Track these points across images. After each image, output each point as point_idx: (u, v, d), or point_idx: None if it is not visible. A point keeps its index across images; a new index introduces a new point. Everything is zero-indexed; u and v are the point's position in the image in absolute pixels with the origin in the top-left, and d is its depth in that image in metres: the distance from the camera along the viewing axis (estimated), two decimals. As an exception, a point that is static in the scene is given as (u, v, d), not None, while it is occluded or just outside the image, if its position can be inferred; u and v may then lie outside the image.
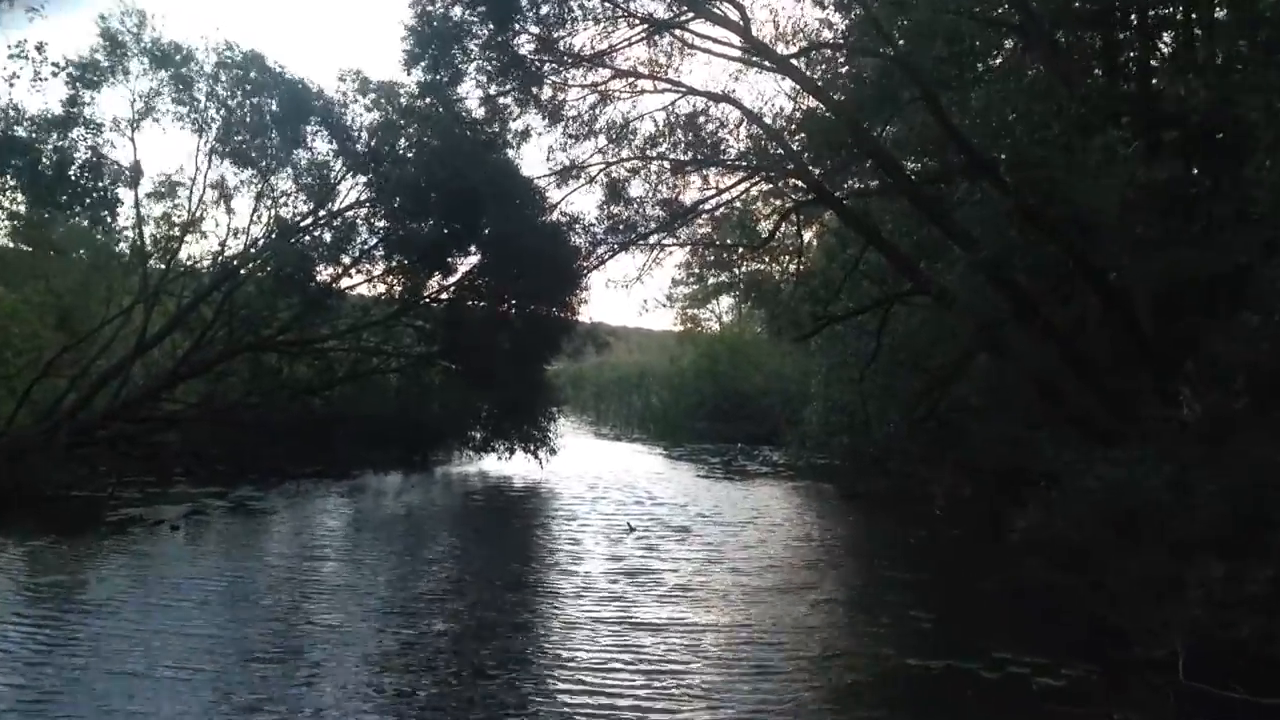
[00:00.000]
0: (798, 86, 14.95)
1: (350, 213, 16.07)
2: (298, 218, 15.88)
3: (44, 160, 13.30)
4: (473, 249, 16.74)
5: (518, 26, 14.72)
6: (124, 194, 14.80)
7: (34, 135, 13.07)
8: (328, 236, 16.03)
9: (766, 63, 14.46)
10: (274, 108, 14.78)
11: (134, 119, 14.19)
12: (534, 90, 15.38)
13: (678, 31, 14.96)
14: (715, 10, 13.86)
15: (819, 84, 14.34)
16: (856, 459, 18.51)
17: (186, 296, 15.29)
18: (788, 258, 26.70)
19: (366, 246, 16.21)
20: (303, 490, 14.71)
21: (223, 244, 15.63)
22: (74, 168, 13.06)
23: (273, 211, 15.62)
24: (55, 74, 12.63)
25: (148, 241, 15.39)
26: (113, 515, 11.79)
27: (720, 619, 7.90)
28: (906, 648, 7.03)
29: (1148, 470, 8.24)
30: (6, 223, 16.83)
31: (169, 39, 14.31)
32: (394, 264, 16.57)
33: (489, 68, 15.31)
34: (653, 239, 16.86)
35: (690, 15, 14.46)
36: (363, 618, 7.61)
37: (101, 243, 16.74)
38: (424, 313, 17.20)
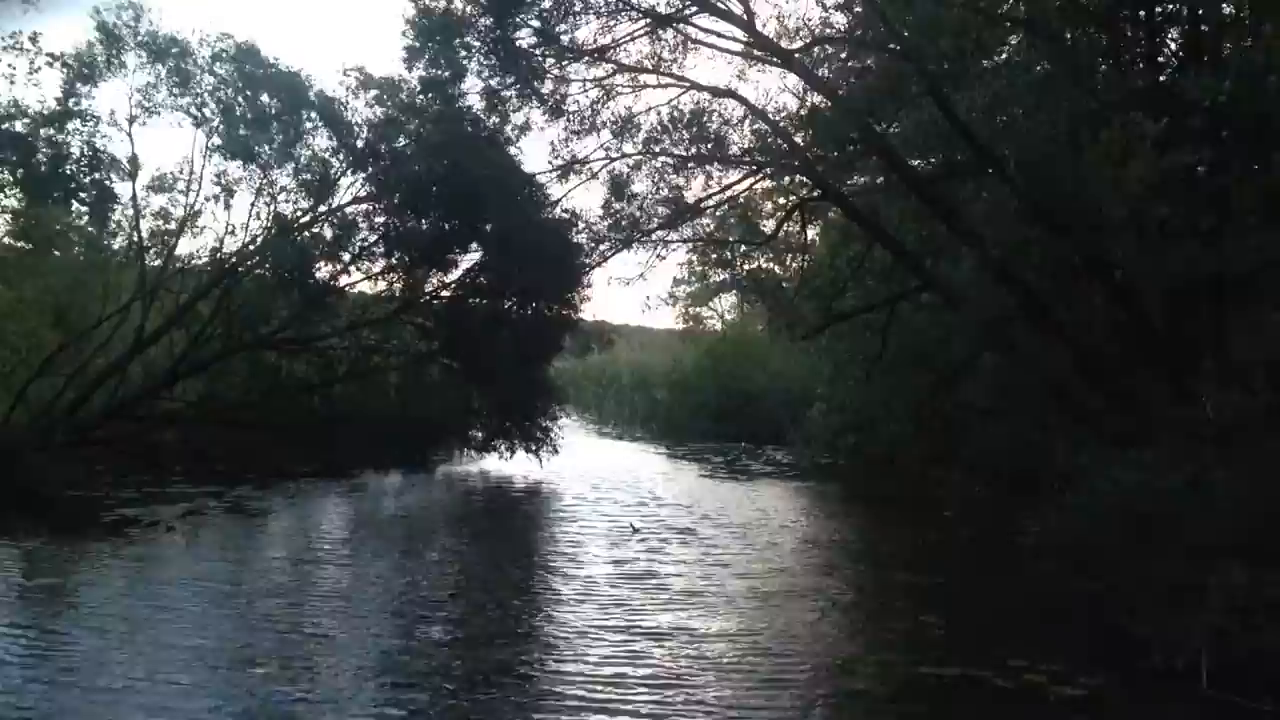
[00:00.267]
0: (802, 82, 14.78)
1: (350, 209, 15.89)
2: (297, 214, 15.73)
3: (39, 155, 13.17)
4: (474, 246, 16.52)
5: (519, 20, 14.54)
6: (122, 189, 14.73)
7: (29, 129, 12.91)
8: (327, 233, 15.85)
9: (771, 58, 14.28)
10: (270, 101, 14.58)
11: (131, 113, 14.09)
12: (535, 84, 15.20)
13: (681, 26, 14.80)
14: (719, 4, 13.67)
15: (824, 79, 14.13)
16: (863, 459, 18.36)
17: (185, 294, 15.15)
18: (791, 256, 26.62)
19: (366, 243, 16.01)
20: (302, 490, 14.55)
21: (221, 240, 15.50)
22: (70, 162, 12.87)
23: (271, 208, 15.46)
24: (50, 65, 12.45)
25: (145, 237, 15.22)
26: (109, 515, 11.62)
27: (728, 626, 7.67)
28: (918, 655, 6.82)
29: (1165, 471, 8.05)
30: (3, 219, 16.69)
31: (164, 32, 14.17)
32: (394, 261, 16.36)
33: (490, 63, 15.17)
34: (656, 235, 16.70)
35: (694, 9, 14.27)
36: (360, 624, 7.40)
37: (98, 238, 16.57)
38: (424, 310, 16.99)
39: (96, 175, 13.26)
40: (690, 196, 16.52)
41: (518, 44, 14.71)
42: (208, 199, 15.22)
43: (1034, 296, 11.99)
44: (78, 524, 11.11)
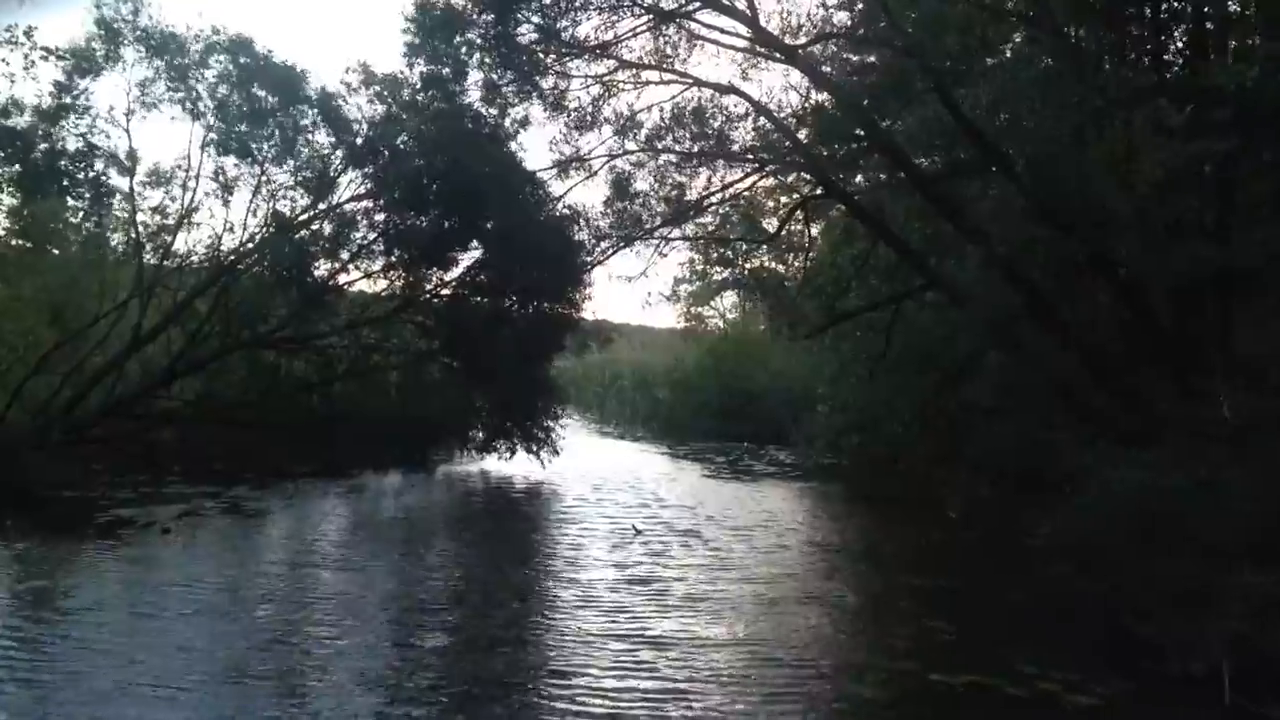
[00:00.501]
0: (806, 80, 14.63)
1: (349, 206, 15.74)
2: (296, 211, 15.58)
3: (36, 151, 13.02)
4: (474, 243, 16.36)
5: (520, 16, 14.39)
6: (120, 183, 14.60)
7: (24, 124, 12.76)
8: (326, 230, 15.69)
9: (774, 54, 14.12)
10: (265, 96, 14.42)
11: (129, 107, 13.96)
12: (537, 80, 15.05)
13: (683, 22, 14.64)
14: (723, 0, 13.51)
15: (828, 76, 13.97)
16: (866, 459, 18.22)
17: (182, 291, 15.00)
18: (793, 254, 26.48)
19: (366, 241, 15.87)
20: (300, 490, 14.40)
21: (219, 237, 15.35)
22: (65, 158, 12.71)
23: (270, 205, 15.32)
24: (45, 59, 12.28)
25: (143, 234, 15.07)
26: (104, 516, 11.49)
27: (732, 632, 7.50)
28: (928, 661, 6.66)
29: (1176, 471, 7.89)
30: (0, 216, 16.55)
31: (161, 26, 14.01)
32: (394, 259, 16.20)
33: (491, 60, 15.03)
34: (658, 233, 16.56)
35: (697, 5, 14.12)
36: (358, 631, 7.24)
37: (95, 235, 16.43)
38: (424, 309, 16.83)
39: (93, 170, 13.08)
40: (692, 194, 16.41)
41: (519, 40, 14.56)
42: (205, 194, 15.15)
43: (1040, 295, 11.86)
44: (72, 524, 10.97)
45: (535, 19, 14.40)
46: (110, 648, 6.51)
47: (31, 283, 15.98)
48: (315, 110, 14.88)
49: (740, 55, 15.22)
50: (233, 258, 15.19)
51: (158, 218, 15.34)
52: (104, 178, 13.62)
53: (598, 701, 5.92)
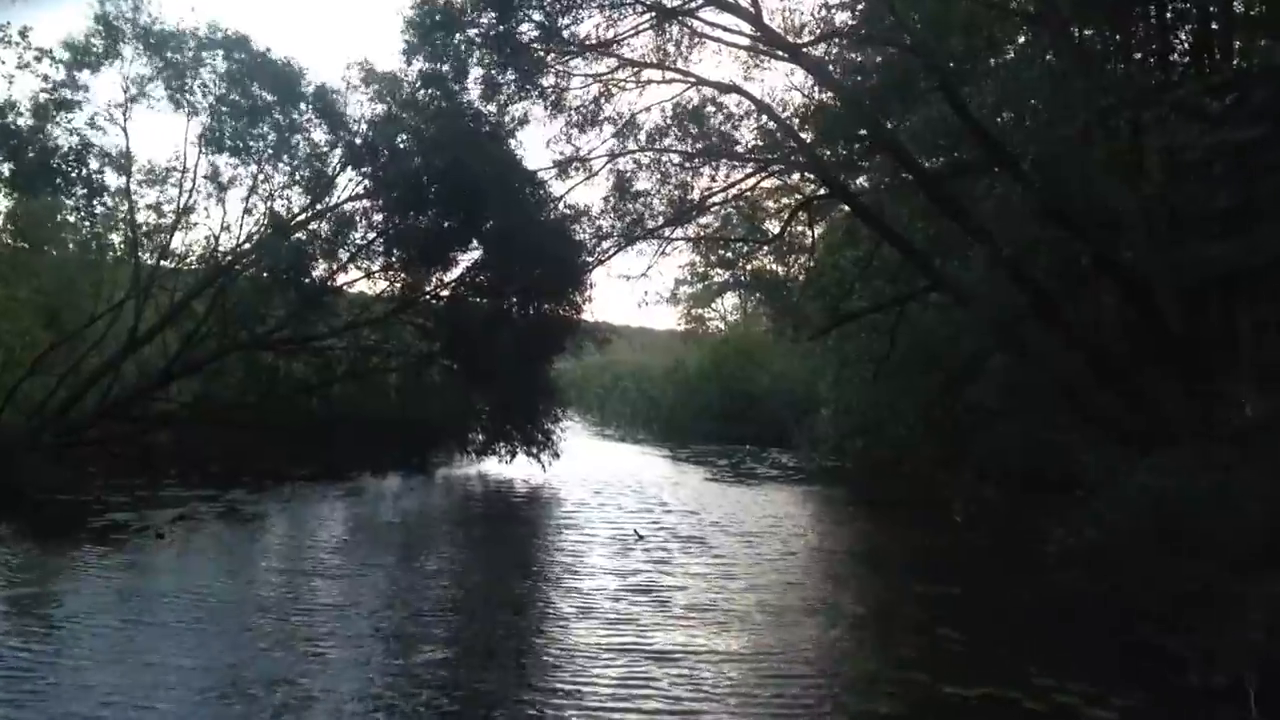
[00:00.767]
0: (810, 79, 14.49)
1: (348, 206, 15.59)
2: (294, 211, 15.42)
3: (30, 150, 12.85)
4: (474, 243, 16.21)
5: (521, 14, 14.23)
6: (116, 182, 14.44)
7: (19, 123, 12.60)
8: (324, 230, 15.52)
9: (778, 52, 13.97)
10: (262, 93, 14.25)
11: (126, 106, 13.82)
12: (537, 79, 14.89)
13: (686, 20, 14.49)
14: (726, -3, 13.37)
15: (832, 75, 13.81)
16: (870, 462, 18.07)
17: (179, 292, 14.83)
18: (794, 256, 26.32)
19: (364, 241, 15.72)
20: (298, 493, 14.21)
21: (215, 238, 15.19)
22: (58, 155, 12.53)
23: (267, 204, 15.15)
24: (39, 59, 12.12)
25: (139, 233, 14.90)
26: (98, 520, 11.28)
27: (738, 645, 7.25)
28: (940, 673, 6.45)
29: (1195, 476, 7.72)
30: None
31: (161, 23, 13.88)
32: (393, 259, 16.06)
33: (492, 58, 14.86)
34: (660, 233, 16.40)
35: (700, 2, 13.98)
36: (354, 642, 7.00)
37: (91, 235, 16.27)
38: (424, 310, 16.68)
39: (86, 169, 12.90)
40: (695, 194, 16.27)
41: (520, 38, 14.40)
42: (202, 194, 14.96)
43: (1045, 295, 11.72)
44: (65, 529, 10.79)
45: (537, 16, 14.26)
46: (100, 659, 6.28)
47: (28, 283, 15.81)
48: (313, 108, 14.73)
49: (743, 54, 15.13)
50: (230, 258, 15.04)
51: (154, 217, 15.23)
52: (98, 175, 13.43)
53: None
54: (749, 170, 15.93)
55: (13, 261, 16.81)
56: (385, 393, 16.86)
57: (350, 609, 7.93)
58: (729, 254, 28.40)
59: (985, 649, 7.19)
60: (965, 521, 12.99)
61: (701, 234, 18.93)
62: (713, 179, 16.00)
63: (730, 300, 38.07)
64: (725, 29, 14.24)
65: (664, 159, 15.92)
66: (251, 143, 14.47)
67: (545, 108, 15.44)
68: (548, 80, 15.20)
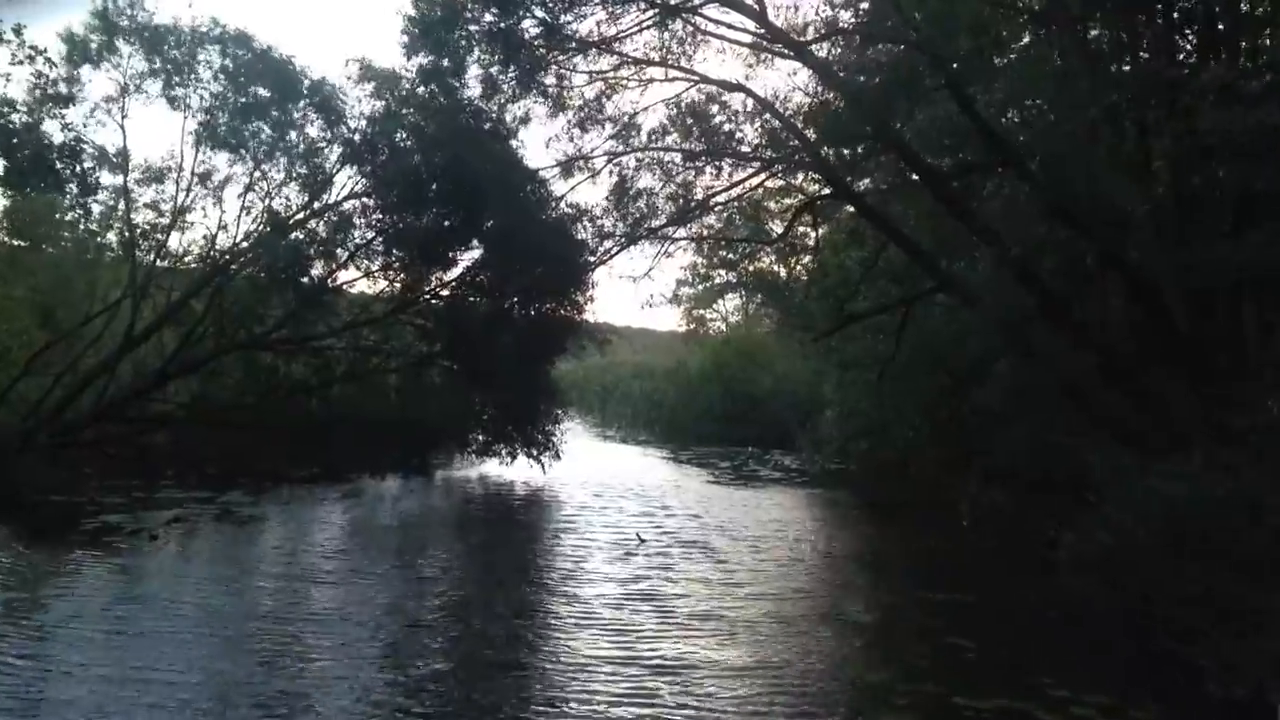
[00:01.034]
0: (814, 78, 14.31)
1: (346, 205, 15.41)
2: (293, 209, 15.25)
3: (24, 149, 12.67)
4: (474, 243, 16.04)
5: (523, 11, 14.06)
6: (112, 180, 14.29)
7: (13, 121, 12.42)
8: (323, 229, 15.35)
9: (783, 50, 13.79)
10: (261, 88, 14.08)
11: (123, 103, 13.67)
12: (538, 76, 14.71)
13: (690, 17, 14.31)
14: (730, -7, 13.19)
15: (837, 73, 13.64)
16: (875, 465, 17.88)
17: (176, 291, 14.67)
18: (795, 258, 26.13)
19: (363, 240, 15.54)
20: (295, 495, 14.05)
21: (213, 236, 15.03)
22: (53, 153, 12.36)
23: (265, 203, 14.99)
24: (32, 58, 11.95)
25: (135, 231, 14.74)
26: (92, 522, 11.15)
27: (742, 656, 7.06)
28: (951, 683, 6.28)
29: (1207, 481, 7.55)
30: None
31: (158, 19, 13.76)
32: (392, 259, 15.87)
33: (492, 57, 14.70)
34: (662, 232, 16.22)
35: (704, -1, 13.81)
36: (350, 653, 6.82)
37: (87, 233, 16.13)
38: (424, 310, 16.50)
39: (80, 165, 12.73)
40: (697, 194, 16.09)
41: (522, 35, 14.23)
42: (199, 191, 14.81)
43: (1052, 295, 11.58)
44: (58, 531, 10.65)
45: (539, 13, 14.08)
46: (87, 668, 6.12)
47: (24, 281, 15.67)
48: (311, 104, 14.56)
49: (747, 52, 14.96)
50: (228, 257, 14.88)
51: (151, 215, 15.06)
52: (93, 172, 13.26)
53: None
54: (752, 170, 15.75)
55: (9, 259, 16.68)
56: (385, 393, 16.68)
57: (346, 617, 7.76)
58: (731, 255, 28.28)
59: (997, 658, 7.02)
60: (972, 525, 12.81)
61: (704, 234, 18.75)
62: (715, 178, 15.83)
63: (732, 301, 37.96)
64: (729, 26, 14.07)
65: (666, 158, 15.76)
66: (250, 139, 14.29)
67: (547, 106, 15.28)
68: (549, 78, 15.02)
